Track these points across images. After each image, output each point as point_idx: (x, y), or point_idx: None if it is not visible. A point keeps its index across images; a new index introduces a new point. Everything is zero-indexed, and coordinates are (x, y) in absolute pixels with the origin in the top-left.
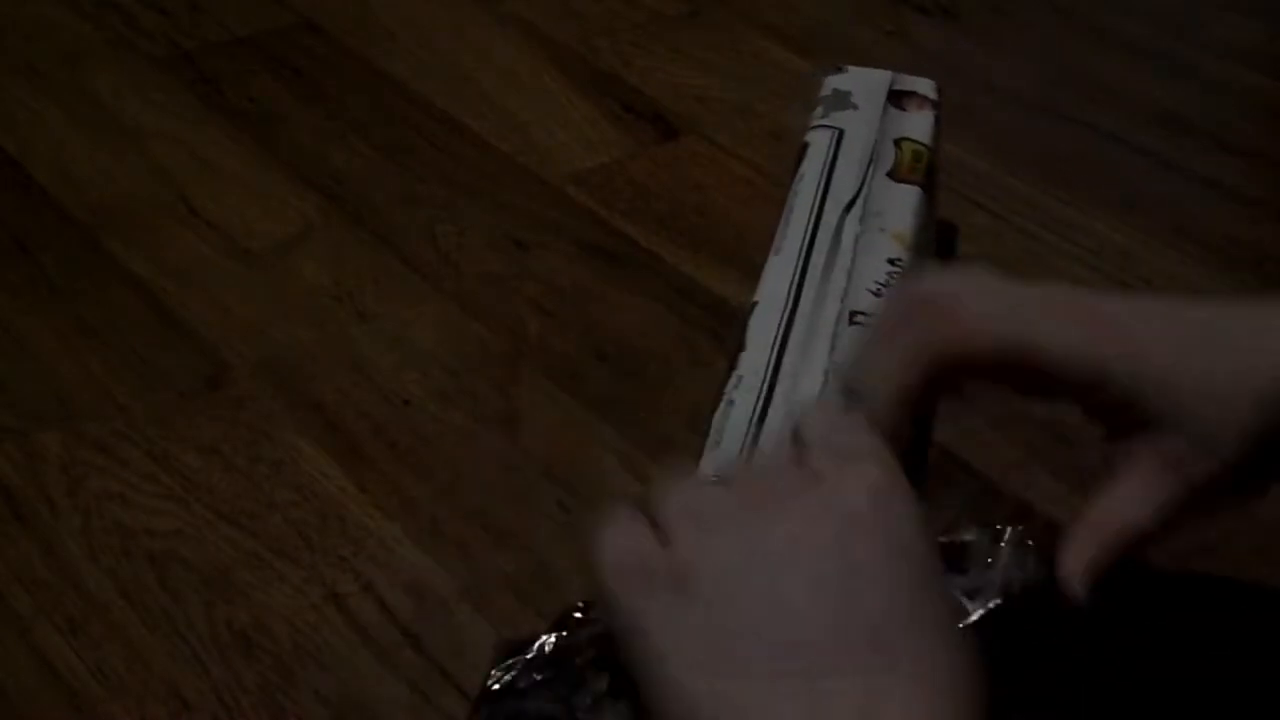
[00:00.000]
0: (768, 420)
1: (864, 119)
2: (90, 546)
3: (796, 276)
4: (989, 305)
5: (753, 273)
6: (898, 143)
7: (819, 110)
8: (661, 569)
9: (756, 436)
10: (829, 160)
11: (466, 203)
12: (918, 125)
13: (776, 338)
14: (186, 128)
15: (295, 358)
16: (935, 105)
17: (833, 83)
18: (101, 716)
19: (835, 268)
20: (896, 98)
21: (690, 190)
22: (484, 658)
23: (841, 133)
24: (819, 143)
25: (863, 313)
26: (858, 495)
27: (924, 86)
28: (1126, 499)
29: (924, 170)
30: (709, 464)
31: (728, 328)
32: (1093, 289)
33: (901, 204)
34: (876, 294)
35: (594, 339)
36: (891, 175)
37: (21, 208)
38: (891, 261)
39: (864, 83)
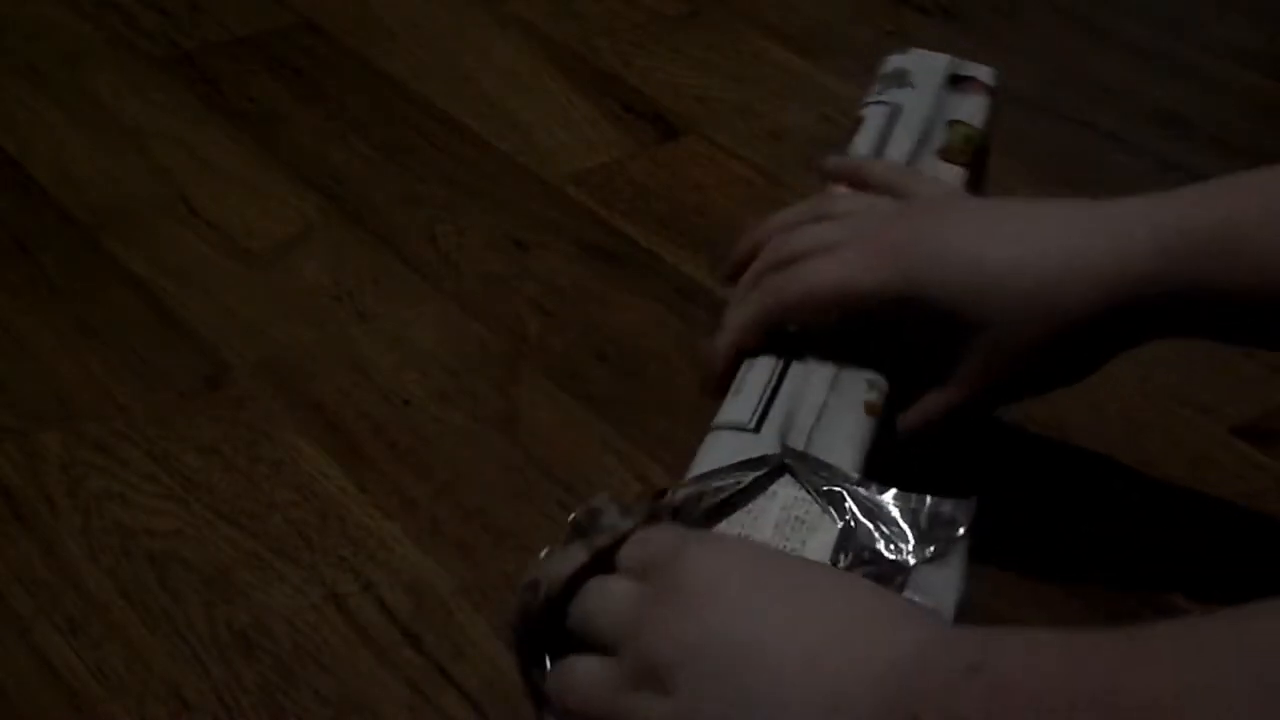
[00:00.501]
0: (789, 374)
1: (920, 98)
2: (90, 546)
3: None
4: (811, 270)
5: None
6: (951, 124)
7: (877, 87)
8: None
9: (776, 389)
10: (882, 135)
11: (466, 203)
12: (972, 109)
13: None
14: (186, 128)
15: (295, 358)
16: (992, 92)
17: (894, 61)
18: (101, 716)
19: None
20: (955, 81)
21: (690, 190)
22: (484, 658)
23: (897, 109)
24: (874, 117)
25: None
26: (710, 572)
27: (983, 73)
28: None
29: (972, 153)
30: (729, 413)
31: None
32: (923, 207)
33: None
34: None
35: (594, 339)
36: (941, 155)
37: (21, 208)
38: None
39: (923, 64)
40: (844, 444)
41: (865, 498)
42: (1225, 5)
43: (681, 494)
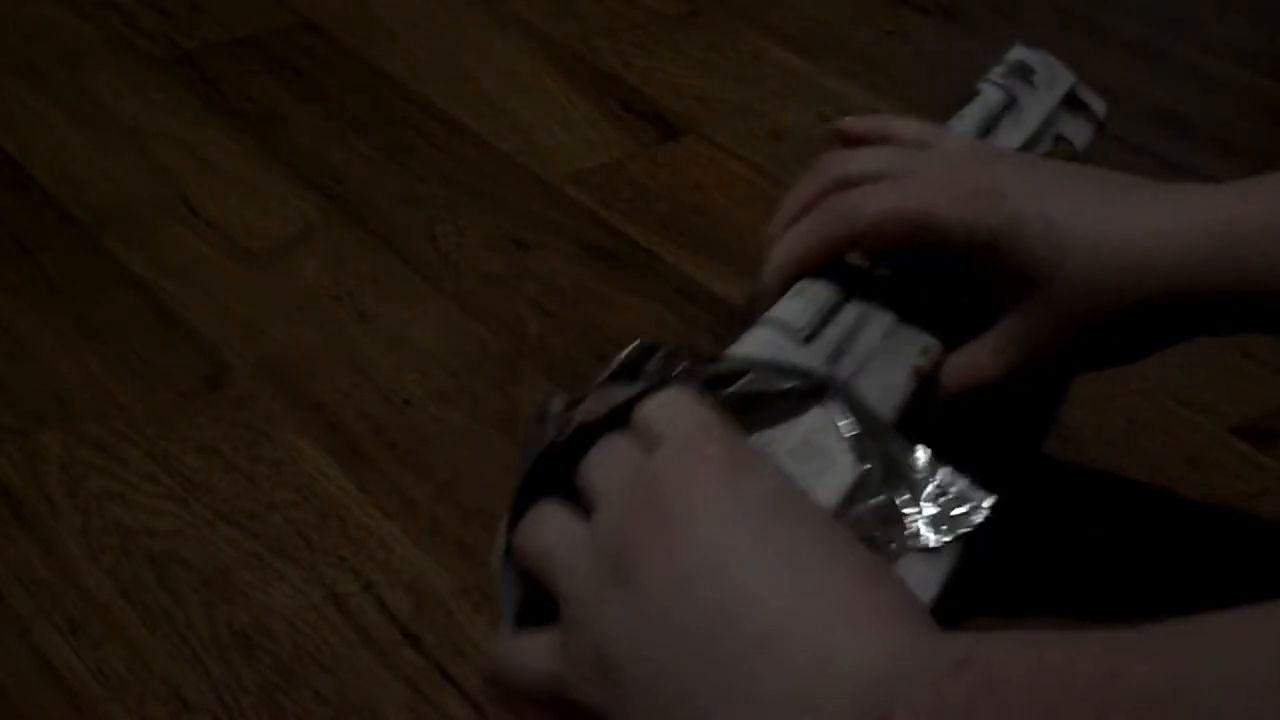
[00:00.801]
0: (846, 307)
1: (1039, 102)
2: (90, 546)
3: None
4: (888, 192)
5: (752, 272)
6: (1057, 139)
7: (999, 69)
8: (583, 667)
9: (833, 313)
10: (993, 118)
11: (466, 203)
12: (1080, 132)
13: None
14: (186, 128)
15: (295, 358)
16: (1100, 125)
17: (1021, 53)
18: (101, 716)
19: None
20: (1072, 101)
21: (690, 190)
22: (484, 657)
23: (1014, 102)
24: (990, 98)
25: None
26: (707, 491)
27: (1098, 104)
28: (985, 350)
29: None
30: (783, 311)
31: (728, 328)
32: (986, 156)
33: None
34: None
35: (594, 339)
36: None
37: (21, 208)
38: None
39: (1051, 70)
40: (883, 399)
41: (896, 453)
42: (1225, 5)
43: (717, 368)
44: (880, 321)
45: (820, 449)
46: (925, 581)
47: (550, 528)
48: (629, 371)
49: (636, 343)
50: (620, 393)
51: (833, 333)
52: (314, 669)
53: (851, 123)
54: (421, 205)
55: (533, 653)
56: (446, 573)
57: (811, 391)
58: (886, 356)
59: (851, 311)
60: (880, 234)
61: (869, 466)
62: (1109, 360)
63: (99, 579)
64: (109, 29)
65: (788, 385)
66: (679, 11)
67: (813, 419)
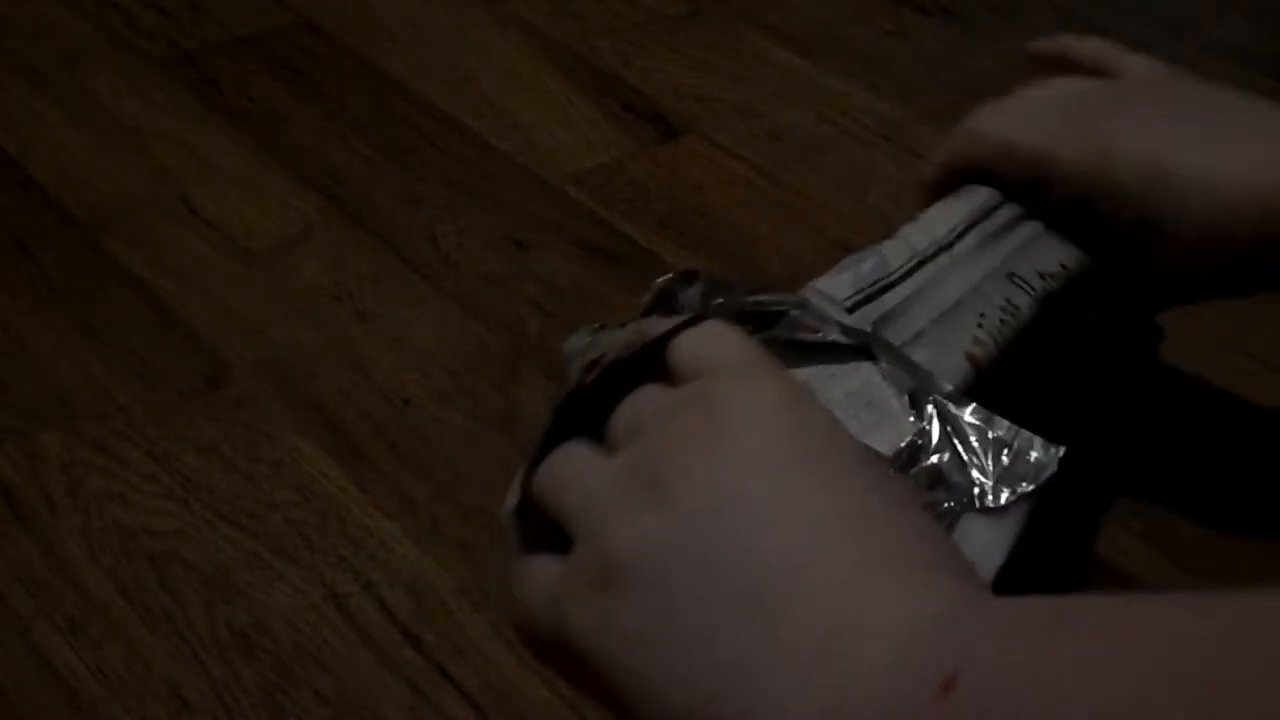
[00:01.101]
0: (919, 271)
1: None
2: (90, 546)
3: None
4: (1017, 126)
5: (752, 272)
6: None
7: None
8: (583, 580)
9: (894, 280)
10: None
11: (466, 203)
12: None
13: (955, 227)
14: (186, 128)
15: (295, 358)
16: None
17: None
18: (101, 716)
19: (1018, 232)
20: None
21: (690, 190)
22: (484, 658)
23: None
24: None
25: (1019, 275)
26: (760, 413)
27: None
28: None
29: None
30: (827, 284)
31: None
32: (1108, 98)
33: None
34: (1037, 278)
35: None
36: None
37: (21, 208)
38: (1063, 265)
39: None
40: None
41: (953, 410)
42: (1225, 5)
43: (759, 301)
44: (930, 305)
45: (874, 402)
46: (990, 547)
47: (573, 461)
48: (664, 301)
49: (672, 273)
50: (657, 325)
51: (873, 309)
52: (314, 669)
53: (1035, 46)
54: (421, 205)
55: (536, 576)
56: (446, 573)
57: (859, 348)
58: (938, 337)
59: (900, 292)
60: (1000, 159)
61: (925, 426)
62: (1232, 291)
63: (99, 579)
64: (109, 29)
65: (833, 337)
66: (679, 11)
67: (864, 372)
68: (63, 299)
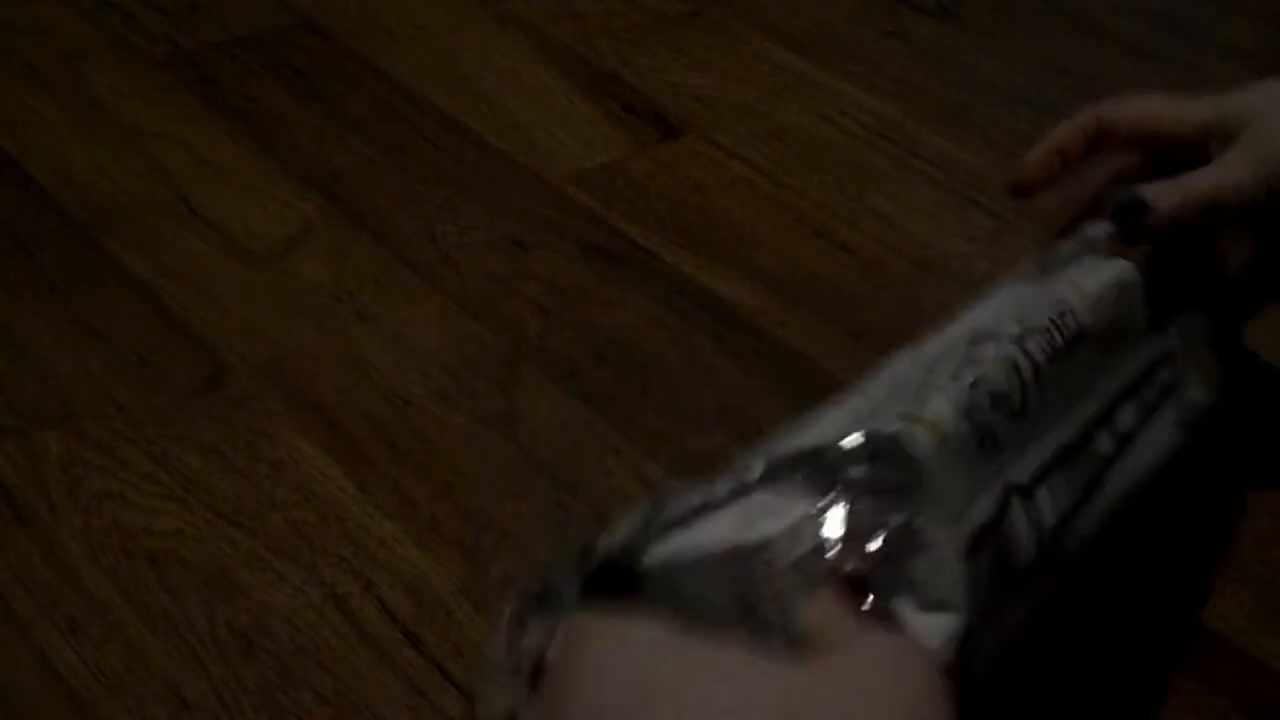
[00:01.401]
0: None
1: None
2: (90, 546)
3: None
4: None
5: (752, 272)
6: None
7: None
8: None
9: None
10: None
11: (466, 203)
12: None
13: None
14: (186, 128)
15: (295, 358)
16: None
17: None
18: (101, 716)
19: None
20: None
21: (690, 190)
22: (484, 658)
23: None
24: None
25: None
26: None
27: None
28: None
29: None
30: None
31: (728, 327)
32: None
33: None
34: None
35: (594, 339)
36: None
37: (21, 208)
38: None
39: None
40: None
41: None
42: (1225, 5)
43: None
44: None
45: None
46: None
47: None
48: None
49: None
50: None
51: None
52: (314, 669)
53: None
54: (421, 205)
55: None
56: (446, 573)
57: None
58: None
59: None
60: (1115, 123)
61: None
62: None
63: (99, 579)
64: (109, 29)
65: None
66: (679, 11)
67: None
68: (63, 299)
